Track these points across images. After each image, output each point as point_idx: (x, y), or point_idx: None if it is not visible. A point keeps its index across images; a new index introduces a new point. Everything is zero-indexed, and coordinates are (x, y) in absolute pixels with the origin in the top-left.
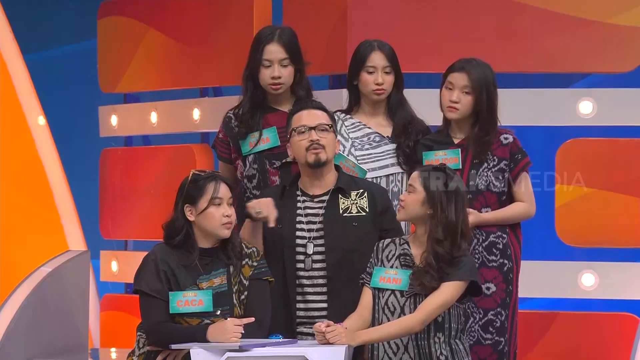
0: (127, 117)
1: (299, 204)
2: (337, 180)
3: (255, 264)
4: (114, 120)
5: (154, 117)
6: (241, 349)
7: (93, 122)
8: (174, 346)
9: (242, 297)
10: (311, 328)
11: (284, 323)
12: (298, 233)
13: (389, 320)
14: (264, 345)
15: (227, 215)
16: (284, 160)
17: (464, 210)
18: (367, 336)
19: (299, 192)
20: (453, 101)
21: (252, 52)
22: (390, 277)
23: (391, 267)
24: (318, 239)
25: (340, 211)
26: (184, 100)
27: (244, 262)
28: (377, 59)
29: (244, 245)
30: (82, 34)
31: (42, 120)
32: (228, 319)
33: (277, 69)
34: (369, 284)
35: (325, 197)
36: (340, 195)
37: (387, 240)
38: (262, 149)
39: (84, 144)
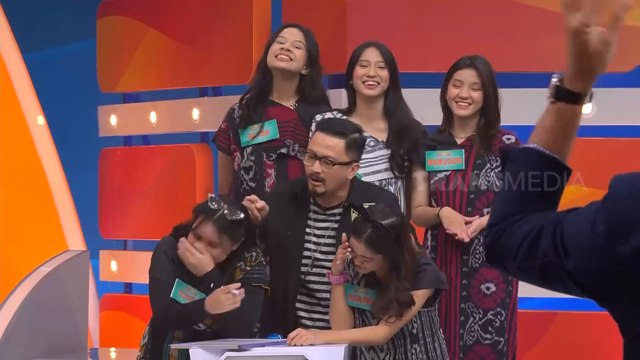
0: (126, 117)
1: (310, 214)
2: (349, 193)
3: (248, 268)
4: (113, 120)
5: (153, 116)
6: (240, 349)
7: (92, 122)
8: (173, 346)
9: None
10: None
11: (279, 330)
12: (306, 245)
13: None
14: (263, 345)
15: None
16: (278, 151)
17: (409, 236)
18: (329, 336)
19: (311, 200)
20: (463, 98)
21: (271, 38)
22: (361, 296)
23: (358, 284)
24: (329, 254)
25: None
26: (184, 100)
27: (237, 265)
28: (370, 54)
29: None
30: (81, 33)
31: (41, 120)
32: (218, 289)
33: (288, 45)
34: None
35: (337, 211)
36: (353, 210)
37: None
38: (261, 141)
39: (84, 144)
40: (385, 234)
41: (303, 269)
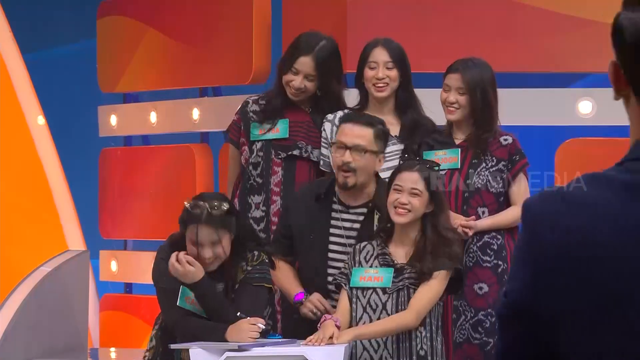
0: (126, 117)
1: (334, 214)
2: (375, 192)
3: (249, 268)
4: (113, 120)
5: (153, 117)
6: (240, 349)
7: (92, 122)
8: (173, 346)
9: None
10: None
11: (305, 327)
12: (331, 246)
13: (371, 319)
14: (263, 345)
15: (205, 257)
16: (289, 153)
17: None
18: (357, 331)
19: (335, 199)
20: (450, 102)
21: (288, 54)
22: (371, 275)
23: (370, 267)
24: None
25: (375, 227)
26: (184, 100)
27: (239, 265)
28: (378, 55)
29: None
30: (81, 33)
31: (41, 120)
32: (243, 318)
33: (300, 80)
34: (347, 285)
35: (363, 210)
36: (376, 210)
37: (364, 243)
38: (270, 138)
39: (84, 144)
40: (436, 170)
41: (330, 270)
